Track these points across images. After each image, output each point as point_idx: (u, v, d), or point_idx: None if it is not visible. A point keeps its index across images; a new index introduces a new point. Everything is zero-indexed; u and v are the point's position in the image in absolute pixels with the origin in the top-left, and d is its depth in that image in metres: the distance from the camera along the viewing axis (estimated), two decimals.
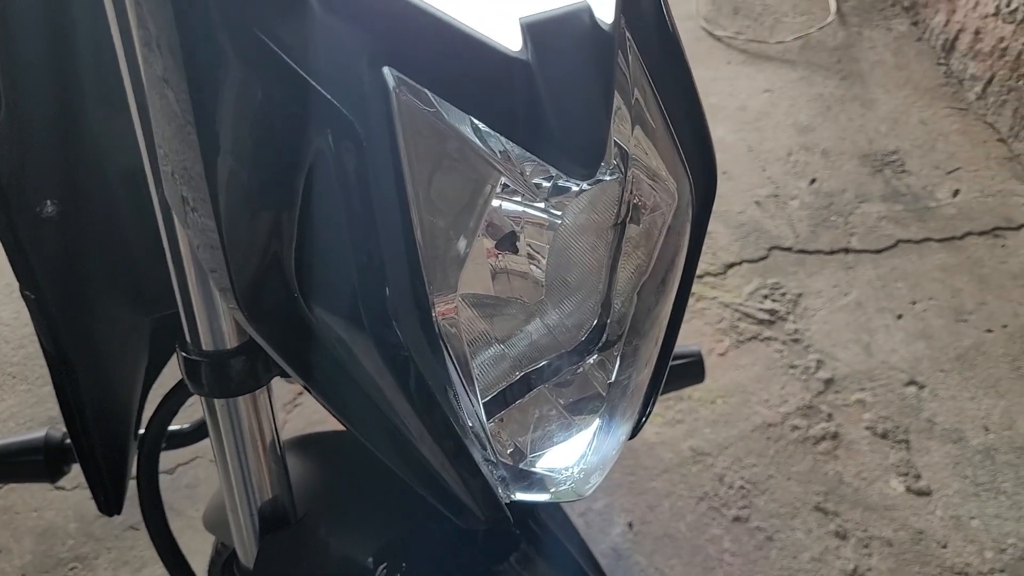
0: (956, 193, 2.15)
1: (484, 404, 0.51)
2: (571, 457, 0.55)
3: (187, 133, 0.44)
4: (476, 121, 0.44)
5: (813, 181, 2.18)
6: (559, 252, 0.52)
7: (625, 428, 0.57)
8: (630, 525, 1.55)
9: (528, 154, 0.45)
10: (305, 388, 0.49)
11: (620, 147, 0.49)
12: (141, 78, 0.47)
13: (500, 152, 0.45)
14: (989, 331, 1.87)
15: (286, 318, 0.46)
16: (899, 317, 1.89)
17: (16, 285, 1.88)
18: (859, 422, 1.70)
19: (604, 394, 0.57)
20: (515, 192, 0.48)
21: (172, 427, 0.82)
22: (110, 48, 0.65)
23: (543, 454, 0.54)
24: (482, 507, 0.52)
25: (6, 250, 0.63)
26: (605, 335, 0.57)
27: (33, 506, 1.56)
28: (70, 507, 1.56)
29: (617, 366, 0.56)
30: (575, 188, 0.49)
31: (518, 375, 0.55)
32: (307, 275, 0.44)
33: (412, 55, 0.41)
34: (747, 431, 1.69)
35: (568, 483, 0.55)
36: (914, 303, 1.92)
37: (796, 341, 1.83)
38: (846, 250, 2.02)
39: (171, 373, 0.83)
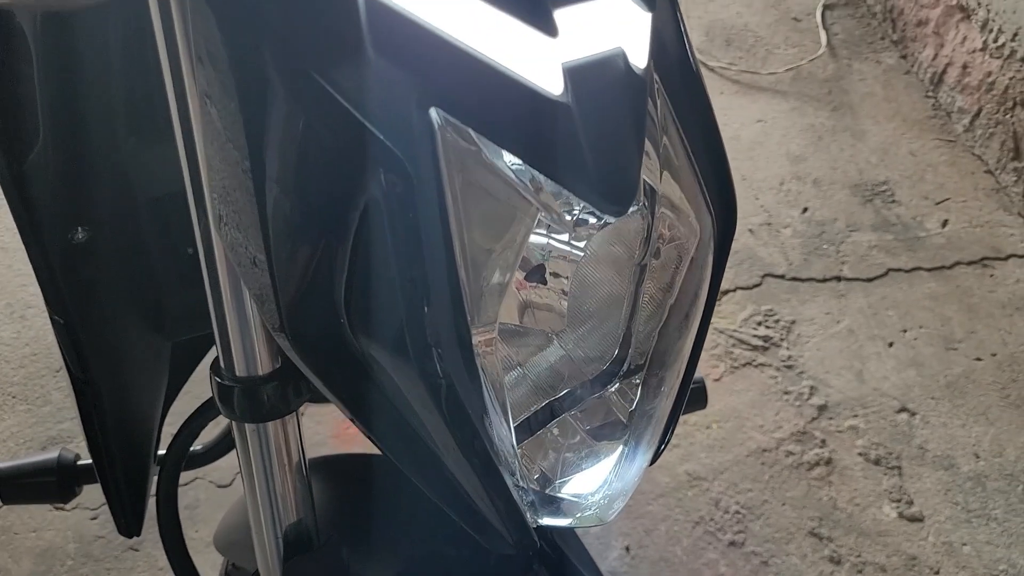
0: (945, 223, 2.19)
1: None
2: (595, 483, 0.57)
3: (228, 151, 0.45)
4: (513, 158, 0.46)
5: (805, 210, 2.21)
6: (582, 283, 0.54)
7: (648, 455, 0.59)
8: (627, 549, 1.56)
9: (559, 188, 0.47)
10: (348, 415, 0.51)
11: (648, 185, 0.51)
12: (186, 96, 0.48)
13: (533, 186, 0.47)
14: (979, 359, 1.90)
15: (329, 344, 0.48)
16: (890, 345, 1.92)
17: (16, 305, 1.88)
18: (852, 448, 1.73)
19: (626, 421, 0.58)
20: (540, 224, 0.50)
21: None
22: (144, 78, 0.67)
23: (569, 480, 0.56)
24: (511, 531, 0.53)
25: (37, 275, 0.64)
26: (627, 364, 0.59)
27: (32, 526, 1.56)
28: (69, 528, 1.56)
29: (639, 395, 0.58)
30: (592, 220, 0.51)
31: (543, 403, 0.57)
32: (355, 303, 0.46)
33: (459, 97, 0.43)
34: (742, 456, 1.70)
35: (592, 508, 0.56)
36: (905, 331, 1.95)
37: (790, 367, 1.86)
38: (838, 278, 2.05)
39: (182, 399, 0.84)
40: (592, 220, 0.51)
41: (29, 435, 1.69)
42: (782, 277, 2.05)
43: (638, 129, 0.48)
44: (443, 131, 0.43)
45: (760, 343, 1.90)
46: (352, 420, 0.52)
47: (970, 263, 2.10)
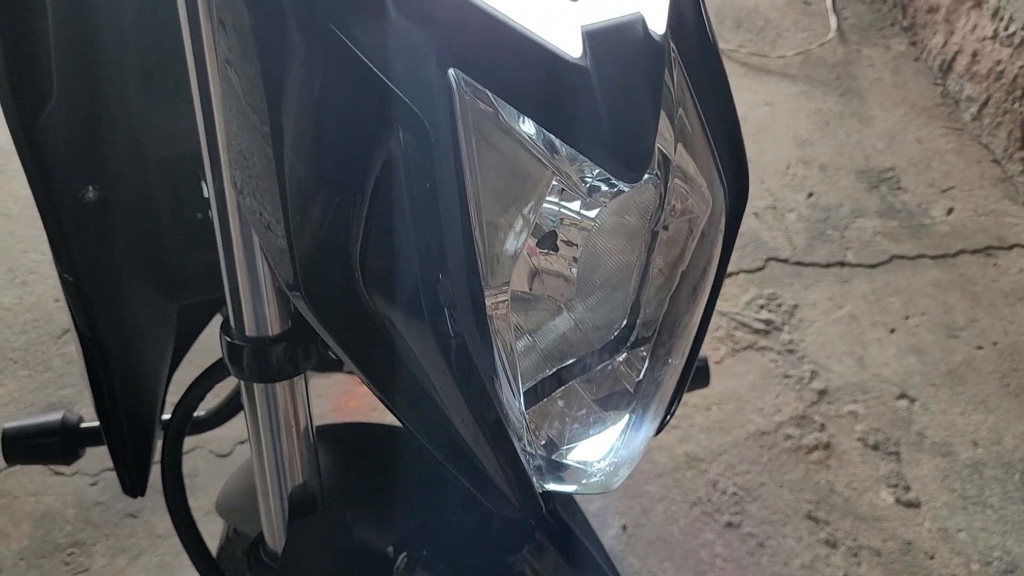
0: (950, 211, 2.19)
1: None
2: (601, 451, 0.57)
3: (248, 116, 0.45)
4: (530, 121, 0.46)
5: (810, 195, 2.21)
6: (593, 252, 0.54)
7: (653, 425, 0.59)
8: (624, 528, 1.57)
9: (576, 154, 0.47)
10: (359, 375, 0.51)
11: (663, 154, 0.51)
12: (205, 61, 0.48)
13: (550, 151, 0.47)
14: (980, 348, 1.90)
15: (343, 302, 0.48)
16: (892, 331, 1.92)
17: (18, 271, 1.88)
18: (851, 433, 1.73)
19: (632, 391, 0.59)
20: (553, 191, 0.50)
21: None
22: (157, 37, 0.66)
23: (575, 447, 0.56)
24: (517, 495, 0.54)
25: (48, 233, 0.64)
26: (635, 334, 0.59)
27: (32, 491, 1.57)
28: (69, 493, 1.57)
29: (647, 364, 0.58)
30: (605, 187, 0.51)
31: (551, 370, 0.57)
32: (370, 262, 0.46)
33: (477, 58, 0.43)
34: (741, 438, 1.71)
35: (598, 475, 0.57)
36: (907, 318, 1.95)
37: (791, 351, 1.86)
38: (841, 264, 2.06)
39: (184, 369, 0.84)
40: (605, 187, 0.51)
41: (30, 400, 1.69)
42: (786, 261, 2.05)
43: (655, 95, 0.47)
44: (461, 92, 0.43)
45: (762, 327, 1.90)
46: (363, 379, 0.52)
47: (974, 252, 2.10)
